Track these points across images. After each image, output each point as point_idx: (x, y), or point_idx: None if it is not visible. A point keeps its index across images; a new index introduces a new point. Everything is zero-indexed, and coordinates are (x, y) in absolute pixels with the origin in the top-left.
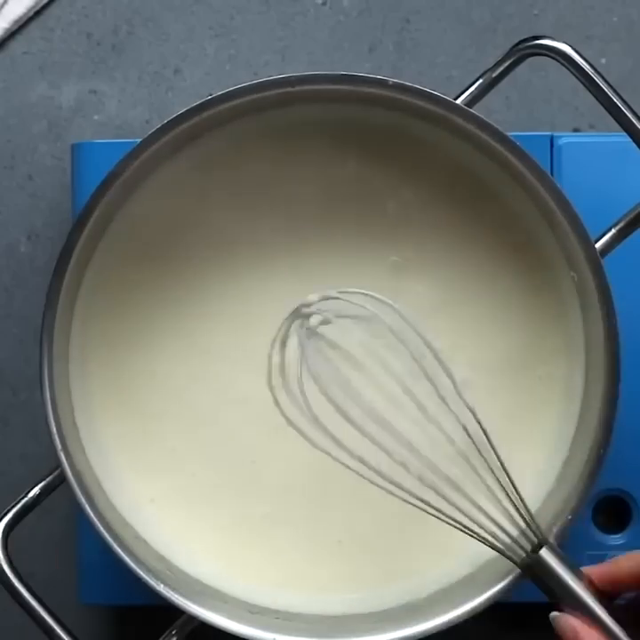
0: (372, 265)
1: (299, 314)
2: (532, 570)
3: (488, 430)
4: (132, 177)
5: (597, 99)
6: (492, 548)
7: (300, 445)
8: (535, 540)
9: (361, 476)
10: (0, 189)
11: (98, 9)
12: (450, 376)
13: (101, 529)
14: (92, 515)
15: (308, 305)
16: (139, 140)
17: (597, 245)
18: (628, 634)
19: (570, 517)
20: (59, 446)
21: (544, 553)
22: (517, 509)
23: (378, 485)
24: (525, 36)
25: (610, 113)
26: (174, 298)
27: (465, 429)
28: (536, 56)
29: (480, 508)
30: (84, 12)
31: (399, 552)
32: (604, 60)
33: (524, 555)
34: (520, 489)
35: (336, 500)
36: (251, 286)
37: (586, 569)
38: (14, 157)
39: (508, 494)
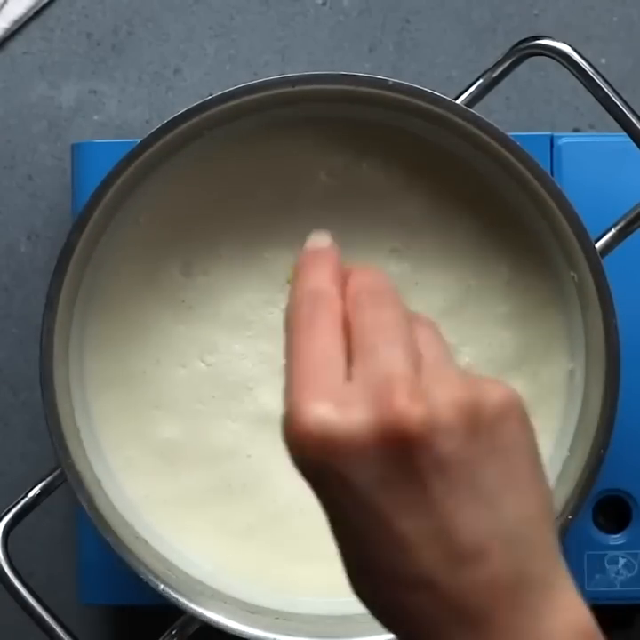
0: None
1: None
2: None
3: None
4: (132, 177)
5: (597, 99)
6: None
7: None
8: None
9: None
10: (0, 189)
11: (98, 9)
12: None
13: (101, 529)
14: (92, 515)
15: None
16: (139, 140)
17: (597, 245)
18: None
19: (570, 517)
20: (59, 446)
21: None
22: None
23: None
24: (525, 36)
25: (610, 113)
26: (174, 298)
27: None
28: (536, 56)
29: None
30: (84, 12)
31: None
32: (603, 60)
33: None
34: None
35: None
36: (251, 285)
37: None
38: (14, 157)
39: None
